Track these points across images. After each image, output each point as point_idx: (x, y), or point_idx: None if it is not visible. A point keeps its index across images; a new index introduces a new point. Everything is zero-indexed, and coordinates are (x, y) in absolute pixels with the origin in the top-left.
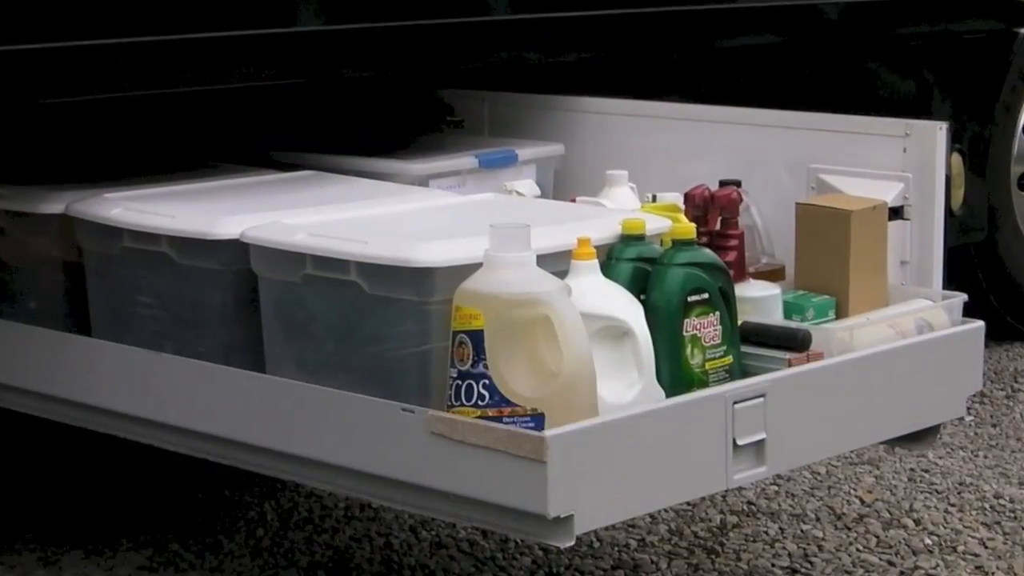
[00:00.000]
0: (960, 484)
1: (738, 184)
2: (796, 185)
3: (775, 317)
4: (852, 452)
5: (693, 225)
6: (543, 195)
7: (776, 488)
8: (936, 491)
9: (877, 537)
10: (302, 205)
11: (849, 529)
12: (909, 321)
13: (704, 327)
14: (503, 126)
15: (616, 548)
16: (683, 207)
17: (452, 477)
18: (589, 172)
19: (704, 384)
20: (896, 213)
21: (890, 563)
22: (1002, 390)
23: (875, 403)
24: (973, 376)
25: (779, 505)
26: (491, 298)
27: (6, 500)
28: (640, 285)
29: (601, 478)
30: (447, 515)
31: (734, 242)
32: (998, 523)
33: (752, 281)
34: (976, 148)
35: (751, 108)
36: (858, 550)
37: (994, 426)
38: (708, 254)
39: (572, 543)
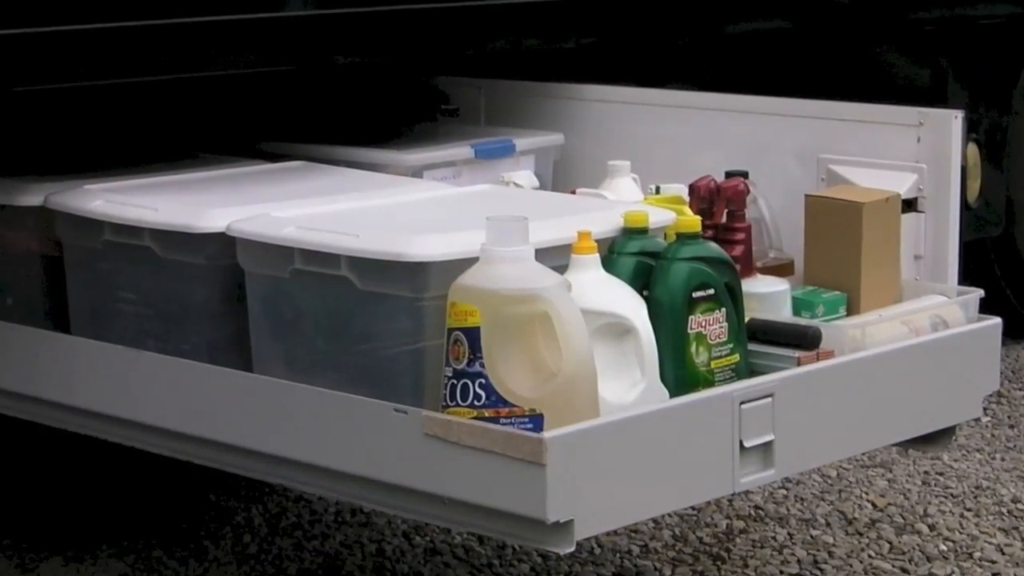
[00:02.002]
0: (976, 488)
1: (745, 175)
2: (805, 176)
3: (783, 314)
4: (864, 454)
5: (698, 218)
6: (542, 187)
7: (784, 492)
8: (951, 495)
9: (890, 543)
10: (291, 197)
11: (861, 535)
12: (923, 318)
13: (709, 324)
14: (500, 115)
15: (618, 554)
16: (688, 199)
17: (447, 480)
18: (590, 163)
19: (710, 383)
20: (910, 205)
21: (903, 570)
22: (1020, 390)
23: (888, 403)
24: (990, 375)
25: (788, 510)
26: (488, 294)
27: None
28: (643, 280)
29: (602, 481)
30: (442, 520)
31: (741, 236)
32: (1016, 528)
33: (760, 276)
34: (993, 138)
35: (759, 96)
36: (870, 556)
37: (1012, 427)
38: (714, 248)
39: (572, 549)
